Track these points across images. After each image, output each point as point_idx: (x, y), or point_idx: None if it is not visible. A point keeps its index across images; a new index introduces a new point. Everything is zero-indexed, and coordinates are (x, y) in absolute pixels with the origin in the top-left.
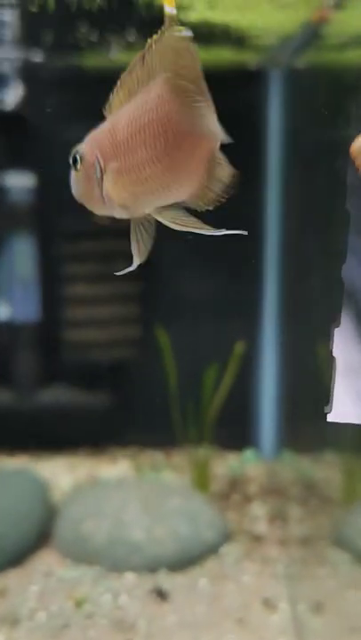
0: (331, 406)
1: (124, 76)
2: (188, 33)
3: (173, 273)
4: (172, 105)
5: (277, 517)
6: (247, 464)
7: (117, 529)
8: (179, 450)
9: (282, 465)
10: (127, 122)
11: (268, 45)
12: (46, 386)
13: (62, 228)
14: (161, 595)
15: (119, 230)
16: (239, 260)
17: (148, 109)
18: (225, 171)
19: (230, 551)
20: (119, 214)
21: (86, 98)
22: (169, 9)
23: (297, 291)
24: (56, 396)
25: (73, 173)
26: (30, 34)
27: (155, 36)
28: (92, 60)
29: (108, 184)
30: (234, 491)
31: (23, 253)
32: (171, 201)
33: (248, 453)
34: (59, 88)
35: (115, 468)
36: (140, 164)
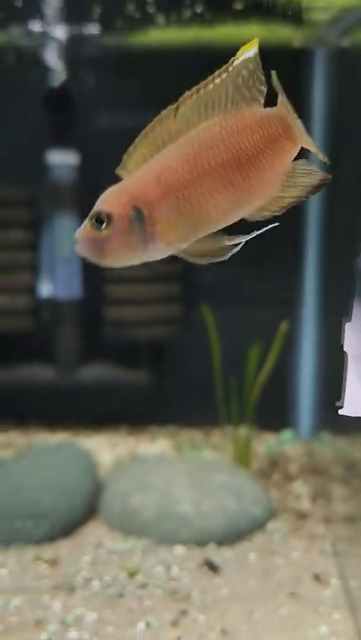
0: (344, 400)
1: (145, 133)
2: (252, 51)
3: None
4: (241, 133)
5: (320, 496)
6: (285, 444)
7: (165, 503)
8: (218, 429)
9: (320, 446)
10: (180, 162)
11: (318, 21)
12: (87, 363)
13: None
14: (212, 567)
15: None
16: (282, 242)
17: (210, 144)
18: (310, 178)
19: (277, 528)
20: (166, 254)
21: (132, 76)
22: (248, 53)
23: (338, 272)
24: (97, 373)
25: (92, 235)
26: (76, 11)
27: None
28: (139, 38)
29: (161, 230)
30: (275, 470)
31: (65, 232)
32: (236, 219)
33: (286, 434)
34: (104, 66)
35: (154, 446)
36: (204, 197)
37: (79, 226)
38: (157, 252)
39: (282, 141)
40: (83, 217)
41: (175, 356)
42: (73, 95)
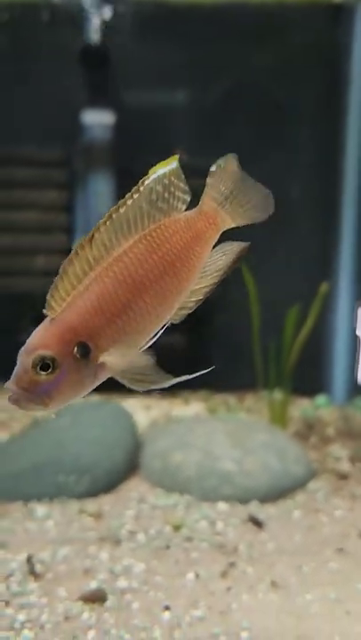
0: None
1: (63, 268)
2: (166, 169)
3: None
4: (170, 241)
5: (359, 459)
6: (320, 409)
7: (207, 460)
8: (251, 393)
9: (355, 410)
10: (117, 285)
11: None
12: None
13: (141, 165)
14: (257, 523)
15: (197, 168)
16: (320, 204)
17: (143, 260)
18: (225, 260)
19: (318, 487)
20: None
21: (169, 35)
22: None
23: None
24: None
25: (34, 381)
26: None
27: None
28: None
29: (108, 357)
30: (311, 433)
31: (102, 192)
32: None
33: (320, 399)
34: (140, 23)
35: (188, 408)
36: (146, 311)
37: (114, 186)
38: (104, 377)
39: (207, 234)
40: (119, 177)
41: (210, 318)
42: (109, 53)
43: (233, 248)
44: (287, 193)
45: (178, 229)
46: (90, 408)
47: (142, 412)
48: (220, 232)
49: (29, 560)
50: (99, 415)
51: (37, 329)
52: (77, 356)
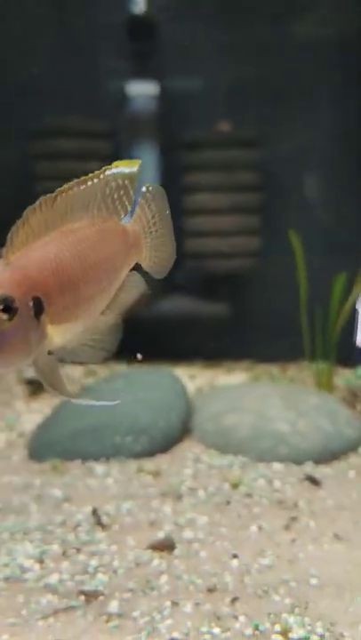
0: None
1: (25, 217)
2: (128, 170)
3: (296, 181)
4: (110, 236)
5: None
6: None
7: (260, 422)
8: (294, 363)
9: None
10: (72, 258)
11: None
12: (166, 296)
13: (184, 136)
14: (314, 481)
15: (241, 139)
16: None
17: (92, 242)
18: (129, 293)
19: None
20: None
21: (216, 5)
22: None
23: None
24: (175, 306)
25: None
26: None
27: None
28: None
29: (53, 327)
30: (356, 400)
31: (146, 163)
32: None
33: None
34: None
35: (232, 378)
36: (92, 292)
37: (157, 159)
38: (43, 349)
39: (132, 252)
40: (162, 148)
41: (253, 288)
42: (155, 24)
43: (138, 284)
44: (336, 159)
45: (121, 231)
46: (141, 374)
47: (187, 380)
48: (137, 259)
49: (95, 512)
50: (151, 380)
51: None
52: (31, 311)
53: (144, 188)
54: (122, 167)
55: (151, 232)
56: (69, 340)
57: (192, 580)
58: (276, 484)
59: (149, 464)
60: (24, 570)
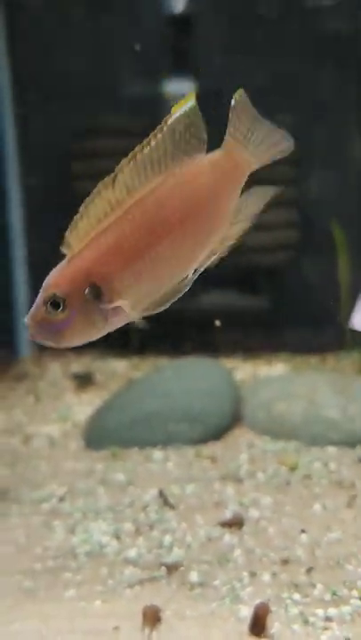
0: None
1: (84, 207)
2: (186, 107)
3: (334, 174)
4: (193, 183)
5: None
6: None
7: (312, 408)
8: (332, 354)
9: None
10: (136, 227)
11: None
12: (205, 290)
13: (218, 129)
14: None
15: None
16: None
17: (164, 203)
18: (256, 205)
19: None
20: (128, 320)
21: (252, 4)
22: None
23: None
24: (215, 300)
25: (47, 319)
26: None
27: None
28: None
29: (123, 301)
30: None
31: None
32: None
33: None
34: None
35: (273, 369)
36: (165, 256)
37: None
38: (119, 322)
39: (235, 174)
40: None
41: (292, 281)
42: (194, 24)
43: (264, 194)
44: None
45: (202, 171)
46: (189, 364)
47: None
48: (248, 173)
49: (161, 493)
50: (200, 369)
51: (55, 268)
52: (89, 297)
53: (233, 102)
54: (180, 107)
55: (252, 135)
56: (150, 298)
57: (265, 553)
58: (332, 465)
59: (206, 450)
60: (102, 545)
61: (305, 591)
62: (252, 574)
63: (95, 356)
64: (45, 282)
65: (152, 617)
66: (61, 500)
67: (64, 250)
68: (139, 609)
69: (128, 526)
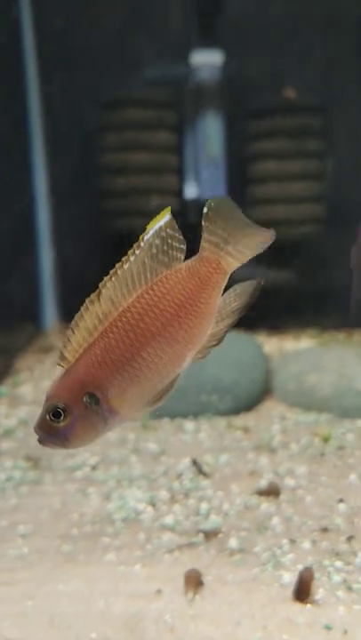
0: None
1: (75, 322)
2: (163, 221)
3: (355, 146)
4: (172, 292)
5: None
6: None
7: (342, 381)
8: (358, 330)
9: None
10: (120, 338)
11: None
12: None
13: (250, 104)
14: None
15: (308, 106)
16: None
17: (145, 313)
18: (242, 300)
19: None
20: (126, 420)
21: None
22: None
23: None
24: (241, 274)
25: (52, 427)
26: None
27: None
28: None
29: (118, 404)
30: None
31: (210, 132)
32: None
33: None
34: None
35: (300, 344)
36: (152, 361)
37: (223, 128)
38: (118, 422)
39: (213, 278)
40: (229, 117)
41: (319, 256)
42: None
43: (246, 288)
44: None
45: (180, 279)
46: None
47: None
48: (228, 275)
49: (195, 463)
50: (230, 341)
51: (54, 380)
52: (87, 404)
53: (205, 209)
54: (156, 223)
55: (229, 236)
56: (143, 399)
57: (303, 521)
58: None
59: (237, 421)
60: (138, 512)
61: (347, 559)
62: (292, 542)
63: None
64: (47, 394)
65: (194, 581)
66: (94, 468)
67: (60, 363)
68: (179, 573)
69: (163, 494)
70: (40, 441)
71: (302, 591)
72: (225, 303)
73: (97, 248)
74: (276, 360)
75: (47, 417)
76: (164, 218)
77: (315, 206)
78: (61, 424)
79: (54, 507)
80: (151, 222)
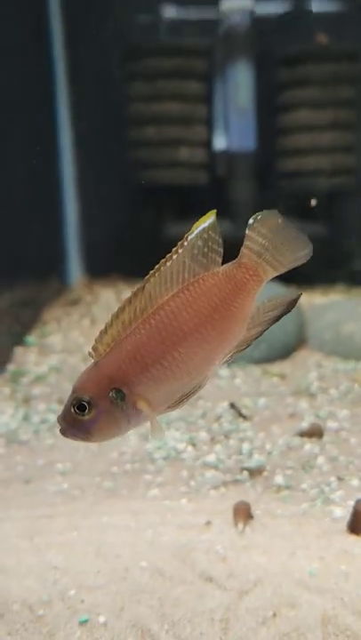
0: None
1: (116, 314)
2: (207, 223)
3: None
4: (208, 294)
5: None
6: None
7: None
8: None
9: None
10: (152, 336)
11: None
12: None
13: (281, 52)
14: None
15: (343, 52)
16: None
17: (178, 312)
18: (275, 312)
19: None
20: (151, 419)
21: None
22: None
23: None
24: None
25: (75, 419)
26: None
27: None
28: None
29: (144, 402)
30: None
31: (241, 82)
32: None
33: None
34: None
35: (328, 299)
36: (182, 361)
37: (254, 76)
38: (143, 421)
39: (249, 285)
40: (259, 65)
41: (351, 209)
42: None
43: (283, 299)
44: None
45: (216, 282)
46: None
47: None
48: (264, 282)
49: (233, 406)
50: (263, 291)
51: (83, 372)
52: (112, 400)
53: (251, 221)
54: (200, 224)
55: (271, 245)
56: (170, 398)
57: (350, 460)
58: None
59: (273, 368)
60: (179, 451)
61: None
62: (340, 479)
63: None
64: (74, 386)
65: (244, 513)
66: None
67: (92, 354)
68: (226, 507)
69: (203, 435)
70: (62, 432)
71: (358, 523)
72: (260, 311)
73: (123, 202)
74: (311, 310)
75: (72, 409)
76: (209, 219)
77: (347, 157)
78: (85, 417)
79: (91, 447)
80: (196, 223)
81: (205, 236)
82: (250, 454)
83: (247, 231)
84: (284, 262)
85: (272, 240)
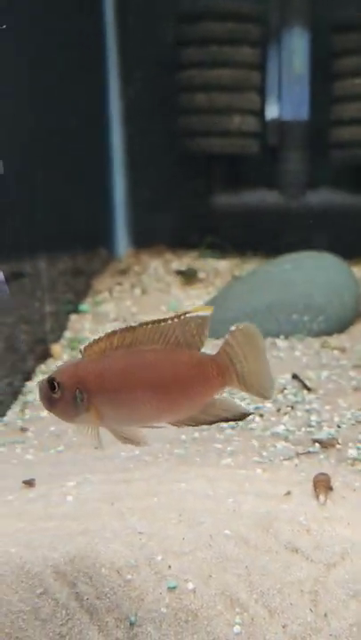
0: None
1: (113, 331)
2: (204, 314)
3: None
4: (178, 364)
5: None
6: None
7: None
8: None
9: None
10: (122, 369)
11: None
12: (314, 188)
13: (336, 19)
14: None
15: None
16: None
17: (151, 363)
18: (226, 413)
19: None
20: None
21: None
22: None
23: None
24: (323, 198)
25: (48, 391)
26: None
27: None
28: None
29: (94, 413)
30: None
31: (296, 49)
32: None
33: None
34: None
35: None
36: (134, 402)
37: (308, 44)
38: (89, 424)
39: (213, 382)
40: (313, 33)
41: None
42: None
43: (238, 408)
44: None
45: (190, 362)
46: (307, 257)
47: None
48: (225, 387)
49: (296, 377)
50: (318, 262)
51: (69, 361)
52: (75, 395)
53: (233, 327)
54: (199, 312)
55: (244, 360)
56: (117, 424)
57: None
58: None
59: (332, 341)
60: (247, 421)
61: None
62: None
63: (194, 256)
64: (58, 367)
65: (325, 485)
66: None
67: (82, 351)
68: (303, 479)
69: (269, 406)
70: (39, 390)
71: None
72: (216, 404)
73: (172, 171)
74: None
75: (47, 383)
76: (206, 312)
77: None
78: (53, 395)
79: None
80: (196, 307)
81: (200, 322)
82: (319, 426)
83: (228, 336)
84: (250, 383)
85: (248, 357)
